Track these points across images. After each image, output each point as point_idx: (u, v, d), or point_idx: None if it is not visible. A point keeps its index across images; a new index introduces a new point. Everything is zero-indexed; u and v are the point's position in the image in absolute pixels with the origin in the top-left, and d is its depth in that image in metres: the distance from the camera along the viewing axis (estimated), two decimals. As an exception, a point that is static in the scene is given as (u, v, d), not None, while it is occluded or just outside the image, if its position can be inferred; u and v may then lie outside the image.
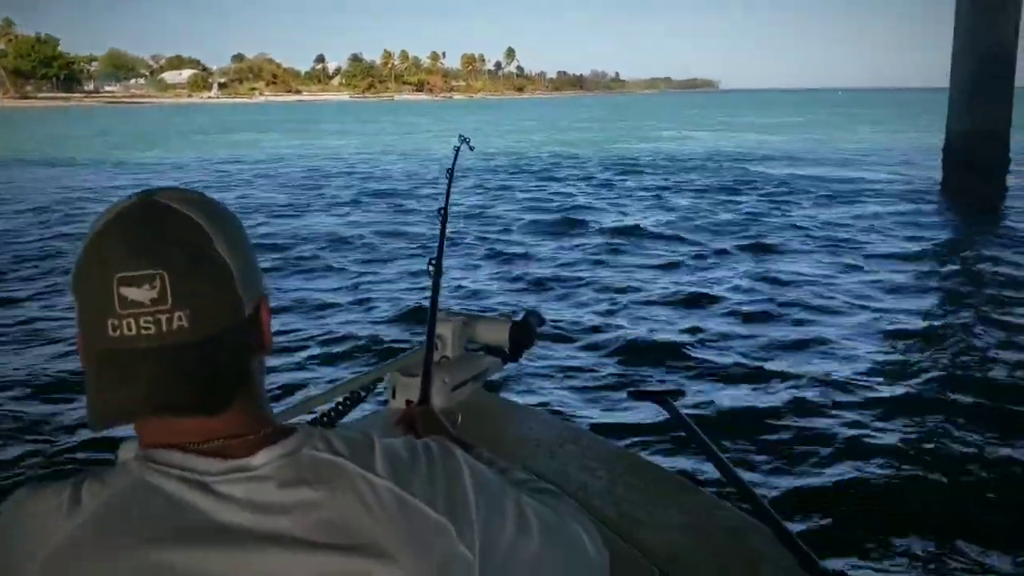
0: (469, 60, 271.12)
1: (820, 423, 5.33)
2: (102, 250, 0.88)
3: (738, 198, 16.99)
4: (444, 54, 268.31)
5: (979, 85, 15.30)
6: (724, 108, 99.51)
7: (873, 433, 5.16)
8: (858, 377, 6.15)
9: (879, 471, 4.65)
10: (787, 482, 4.54)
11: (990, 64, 15.15)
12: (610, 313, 8.16)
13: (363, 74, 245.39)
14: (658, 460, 3.98)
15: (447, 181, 2.44)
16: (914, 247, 11.49)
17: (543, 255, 11.46)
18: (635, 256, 11.23)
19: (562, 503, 1.14)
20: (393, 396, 2.26)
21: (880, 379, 6.13)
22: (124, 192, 1.00)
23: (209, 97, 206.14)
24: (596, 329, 7.61)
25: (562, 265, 10.67)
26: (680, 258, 10.96)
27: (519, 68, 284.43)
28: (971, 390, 5.86)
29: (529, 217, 14.88)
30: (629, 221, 14.15)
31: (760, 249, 11.50)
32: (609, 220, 14.42)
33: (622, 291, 9.11)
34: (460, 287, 9.39)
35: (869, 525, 4.09)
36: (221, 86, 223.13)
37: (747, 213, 15.02)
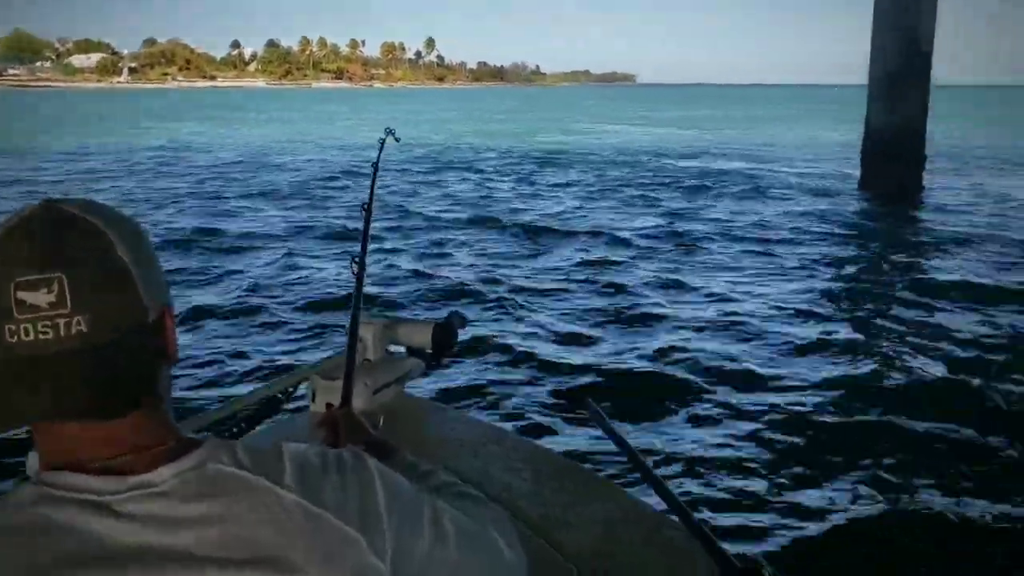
0: (389, 49, 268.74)
1: (735, 424, 5.41)
2: (1, 256, 0.86)
3: (657, 194, 16.86)
4: (364, 42, 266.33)
5: (896, 80, 15.28)
6: (644, 102, 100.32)
7: (787, 432, 5.23)
8: (773, 378, 6.23)
9: (793, 470, 4.74)
10: (704, 480, 4.63)
11: (908, 58, 15.16)
12: (533, 314, 8.05)
13: (280, 60, 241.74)
14: (579, 459, 4.04)
15: (372, 174, 2.36)
16: (829, 246, 11.42)
17: (466, 253, 11.19)
18: (556, 255, 11.05)
19: (482, 508, 1.14)
20: (313, 400, 2.23)
21: (794, 379, 6.21)
22: (21, 185, 0.71)
23: (119, 82, 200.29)
24: (519, 330, 7.53)
25: (485, 264, 10.44)
26: (600, 256, 10.80)
27: (439, 58, 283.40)
28: (877, 387, 6.04)
29: (451, 214, 14.55)
30: (551, 220, 13.95)
31: (679, 247, 11.47)
32: (532, 217, 14.15)
33: (545, 292, 8.96)
34: (381, 287, 9.11)
35: (785, 522, 4.17)
36: (131, 71, 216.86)
37: (666, 209, 14.94)
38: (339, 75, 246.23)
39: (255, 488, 0.89)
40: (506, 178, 20.15)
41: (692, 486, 4.54)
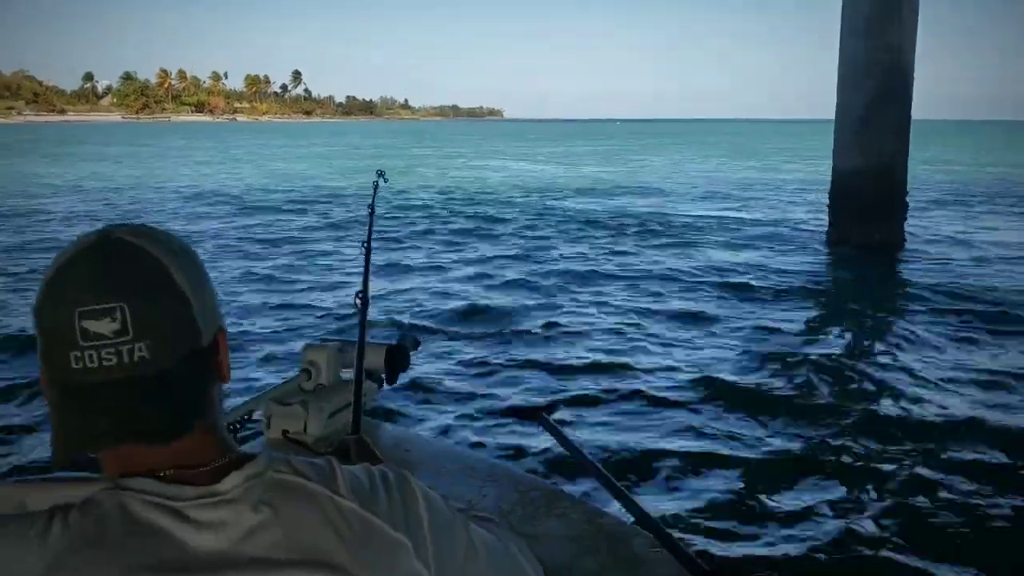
0: (253, 81, 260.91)
1: (693, 433, 5.55)
2: (64, 285, 0.89)
3: (599, 233, 14.80)
4: (226, 74, 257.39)
5: (870, 114, 13.09)
6: (527, 138, 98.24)
7: (749, 442, 5.35)
8: (725, 391, 6.38)
9: (758, 478, 4.79)
10: (666, 488, 4.72)
11: (882, 89, 12.98)
12: (484, 334, 8.34)
13: (136, 93, 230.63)
14: (538, 474, 4.25)
15: (369, 214, 2.43)
16: (780, 315, 9.25)
17: (409, 280, 11.32)
18: (506, 280, 11.24)
19: (501, 530, 1.18)
20: (268, 427, 2.22)
21: (752, 394, 6.34)
22: None
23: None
24: (471, 350, 7.75)
25: (436, 288, 10.68)
26: (555, 281, 11.16)
27: (307, 91, 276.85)
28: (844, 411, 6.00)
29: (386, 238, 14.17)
30: (500, 245, 14.28)
31: (635, 282, 11.23)
32: (483, 243, 14.54)
33: (495, 315, 9.21)
34: (328, 313, 9.42)
35: (748, 526, 4.25)
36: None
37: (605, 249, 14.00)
38: (200, 108, 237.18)
39: (315, 495, 0.94)
40: (439, 222, 17.07)
41: (653, 494, 4.61)
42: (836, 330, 8.80)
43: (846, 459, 5.10)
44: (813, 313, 9.50)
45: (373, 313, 8.98)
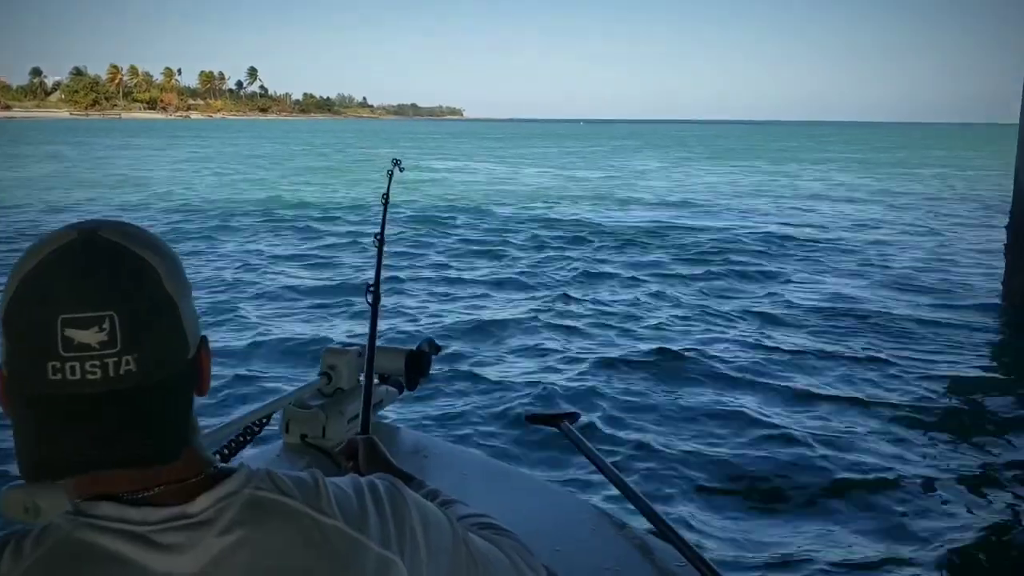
0: (208, 78, 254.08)
1: (715, 441, 5.47)
2: (43, 288, 0.79)
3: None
4: (180, 71, 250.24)
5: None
6: (514, 140, 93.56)
7: (770, 455, 5.23)
8: (750, 404, 6.23)
9: (776, 492, 4.78)
10: (688, 500, 4.64)
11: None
12: (503, 339, 8.15)
13: (86, 90, 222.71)
14: (557, 483, 3.91)
15: (383, 205, 2.28)
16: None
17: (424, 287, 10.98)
18: (529, 287, 11.00)
19: (503, 537, 1.12)
20: (287, 431, 2.15)
21: (779, 405, 6.20)
22: None
23: None
24: (490, 356, 7.57)
25: (453, 296, 10.42)
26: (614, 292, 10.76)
27: (263, 88, 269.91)
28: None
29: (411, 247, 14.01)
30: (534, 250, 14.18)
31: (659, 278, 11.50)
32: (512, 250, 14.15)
33: (514, 320, 9.03)
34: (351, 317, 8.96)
35: (768, 539, 4.18)
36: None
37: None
38: (152, 105, 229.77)
39: (295, 513, 0.87)
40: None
41: (678, 508, 4.51)
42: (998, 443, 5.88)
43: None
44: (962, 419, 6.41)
45: (389, 315, 8.99)
